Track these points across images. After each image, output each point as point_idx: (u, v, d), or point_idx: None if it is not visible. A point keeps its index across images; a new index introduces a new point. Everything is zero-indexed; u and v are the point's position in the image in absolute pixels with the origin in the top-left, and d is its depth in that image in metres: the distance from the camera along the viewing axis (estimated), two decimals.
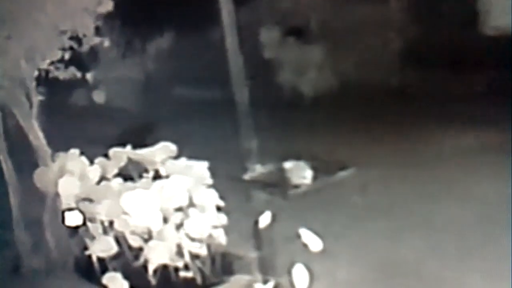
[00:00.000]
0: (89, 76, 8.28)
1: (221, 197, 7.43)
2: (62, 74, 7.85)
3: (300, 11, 14.46)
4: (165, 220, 7.18)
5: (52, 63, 7.76)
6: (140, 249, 7.27)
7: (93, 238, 7.45)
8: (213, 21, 9.27)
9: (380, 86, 13.24)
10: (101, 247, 7.37)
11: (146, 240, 7.23)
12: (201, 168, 7.63)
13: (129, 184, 7.59)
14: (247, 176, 10.05)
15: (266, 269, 7.12)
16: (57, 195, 7.63)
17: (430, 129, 11.53)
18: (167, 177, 7.48)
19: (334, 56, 13.88)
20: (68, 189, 7.57)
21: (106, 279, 7.15)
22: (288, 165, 10.05)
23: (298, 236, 6.73)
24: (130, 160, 7.85)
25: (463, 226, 8.14)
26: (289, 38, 14.24)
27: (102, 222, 7.44)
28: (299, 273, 6.58)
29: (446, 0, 13.71)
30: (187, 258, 7.16)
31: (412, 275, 7.20)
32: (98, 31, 7.99)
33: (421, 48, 13.76)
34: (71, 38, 7.78)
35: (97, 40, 8.00)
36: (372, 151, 10.80)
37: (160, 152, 7.78)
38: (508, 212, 8.16)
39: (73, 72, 7.92)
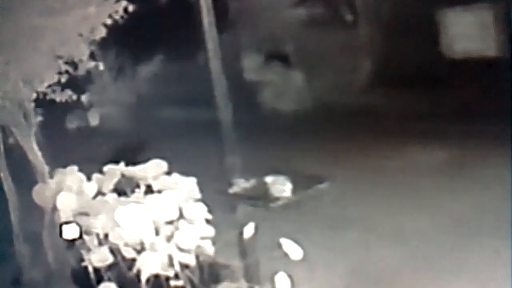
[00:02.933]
0: (84, 98, 8.15)
1: (209, 211, 7.35)
2: (59, 96, 7.74)
3: (279, 38, 14.48)
4: (157, 232, 7.07)
5: (49, 86, 7.67)
6: (134, 260, 7.13)
7: (89, 250, 7.30)
8: (198, 46, 9.20)
9: (352, 105, 13.29)
10: (97, 258, 7.22)
11: (139, 252, 7.11)
12: (190, 183, 7.52)
13: (123, 199, 7.45)
14: (232, 190, 9.95)
15: (251, 277, 7.07)
16: (54, 209, 7.50)
17: (399, 146, 11.52)
18: (158, 192, 7.37)
19: (310, 78, 13.93)
20: (66, 203, 7.43)
21: None
22: (269, 179, 9.91)
23: (280, 246, 6.67)
24: (123, 176, 7.69)
25: (433, 236, 8.13)
26: (269, 62, 14.25)
27: (97, 235, 7.30)
28: (281, 281, 6.52)
29: (412, 25, 13.68)
30: (177, 268, 7.05)
31: (384, 282, 7.25)
32: (92, 56, 7.89)
33: (389, 70, 13.77)
34: (67, 62, 7.71)
35: (91, 64, 7.91)
36: (347, 166, 10.78)
37: (151, 169, 7.62)
38: (477, 222, 8.23)
39: (69, 94, 7.81)
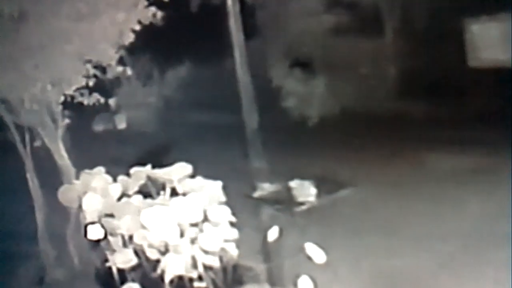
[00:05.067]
0: (111, 101, 8.13)
1: (233, 213, 7.29)
2: (87, 99, 7.74)
3: (306, 44, 14.41)
4: (181, 234, 7.01)
5: (77, 89, 7.67)
6: (158, 261, 7.09)
7: (113, 251, 7.25)
8: (225, 52, 9.14)
9: (377, 112, 13.20)
10: (121, 259, 7.18)
11: (163, 253, 7.07)
12: (215, 186, 7.48)
13: (148, 201, 7.41)
14: (256, 194, 9.90)
15: (274, 280, 7.04)
16: (80, 210, 7.47)
17: (422, 152, 11.42)
18: (183, 194, 7.32)
19: (336, 85, 13.85)
20: (91, 205, 7.38)
21: None
22: (294, 184, 9.87)
23: (303, 250, 6.62)
24: (149, 178, 7.63)
25: (455, 241, 8.02)
26: (295, 69, 14.19)
27: (122, 236, 7.25)
28: (304, 284, 6.46)
29: (438, 34, 13.57)
30: (201, 269, 7.00)
31: (408, 286, 7.17)
32: (121, 61, 7.84)
33: (414, 78, 13.68)
34: (95, 67, 7.69)
35: (120, 69, 7.90)
36: (371, 172, 10.67)
37: (177, 172, 7.58)
38: (498, 225, 8.11)
39: (96, 98, 7.78)
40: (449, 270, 7.33)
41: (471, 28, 13.61)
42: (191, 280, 7.02)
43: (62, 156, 7.58)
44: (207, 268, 7.01)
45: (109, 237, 7.25)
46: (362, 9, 14.30)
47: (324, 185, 9.93)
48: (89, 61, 7.67)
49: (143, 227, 7.01)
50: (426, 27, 13.88)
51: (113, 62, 7.79)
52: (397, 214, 8.99)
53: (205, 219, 7.11)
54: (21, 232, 8.09)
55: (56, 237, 7.77)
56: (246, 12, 10.75)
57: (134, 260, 7.14)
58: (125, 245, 7.24)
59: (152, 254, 7.08)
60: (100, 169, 7.69)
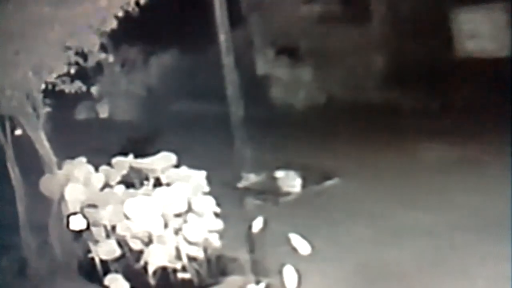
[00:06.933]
0: (94, 89, 8.05)
1: (217, 204, 7.29)
2: (68, 87, 7.65)
3: (291, 33, 14.40)
4: (165, 225, 6.99)
5: (58, 76, 7.55)
6: (141, 252, 7.07)
7: (96, 241, 7.22)
8: (210, 40, 9.10)
9: (363, 102, 13.23)
10: (104, 250, 7.15)
11: (146, 244, 7.05)
12: (199, 176, 7.45)
13: (131, 191, 7.37)
14: (241, 184, 9.89)
15: (258, 271, 6.96)
16: (62, 200, 7.42)
17: (410, 142, 11.46)
18: (167, 184, 7.29)
19: (322, 74, 13.86)
20: (74, 195, 7.36)
21: (108, 280, 6.97)
22: (279, 174, 9.88)
23: (288, 240, 6.58)
24: (132, 168, 7.60)
25: (442, 233, 8.05)
26: (280, 57, 14.18)
27: (105, 227, 7.22)
28: (289, 274, 6.43)
29: (425, 23, 13.58)
30: (185, 260, 6.99)
31: (392, 278, 7.15)
32: (103, 48, 7.77)
33: (401, 67, 13.71)
34: (77, 53, 7.59)
35: (102, 56, 7.80)
36: (357, 162, 10.73)
37: (160, 161, 7.55)
38: (488, 218, 8.14)
39: (78, 85, 7.71)
40: (435, 262, 7.35)
41: (460, 17, 13.63)
42: (175, 271, 7.00)
43: (44, 146, 7.48)
44: (191, 259, 6.99)
45: (92, 228, 7.21)
46: None
47: (309, 176, 9.94)
48: (71, 48, 7.57)
49: (126, 217, 6.98)
50: (414, 15, 13.90)
51: (95, 49, 7.70)
52: (384, 205, 9.01)
53: (189, 209, 7.09)
54: (2, 223, 8.04)
55: (38, 227, 7.68)
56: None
57: (117, 251, 7.10)
58: (108, 236, 7.20)
59: (136, 245, 7.05)
60: (81, 159, 7.64)
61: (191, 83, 14.00)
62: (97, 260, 7.18)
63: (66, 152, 7.74)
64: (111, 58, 7.95)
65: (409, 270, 7.23)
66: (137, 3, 7.69)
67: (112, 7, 7.61)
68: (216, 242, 7.14)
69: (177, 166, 7.56)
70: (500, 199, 8.56)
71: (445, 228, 8.12)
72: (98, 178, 7.47)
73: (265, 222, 6.98)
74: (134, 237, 7.05)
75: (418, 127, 11.98)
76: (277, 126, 12.65)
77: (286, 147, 11.44)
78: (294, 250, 6.52)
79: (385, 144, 11.43)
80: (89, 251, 7.27)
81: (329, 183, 9.86)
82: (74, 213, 7.16)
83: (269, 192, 9.62)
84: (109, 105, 14.30)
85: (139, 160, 7.61)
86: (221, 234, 7.18)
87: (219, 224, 7.19)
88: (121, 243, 7.15)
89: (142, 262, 7.04)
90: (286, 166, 10.10)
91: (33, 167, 7.60)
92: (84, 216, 7.14)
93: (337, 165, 10.33)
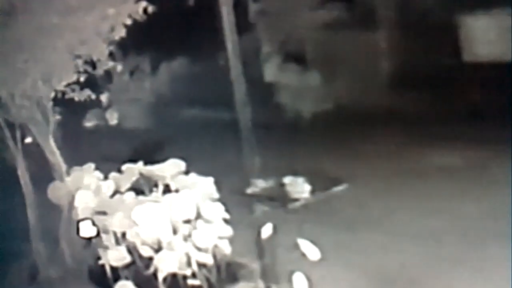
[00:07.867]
0: (103, 97, 8.11)
1: (226, 210, 7.28)
2: (78, 95, 7.72)
3: (299, 40, 14.40)
4: (174, 231, 7.02)
5: (68, 85, 7.64)
6: (151, 259, 7.08)
7: (106, 248, 7.25)
8: (218, 47, 9.16)
9: (371, 107, 13.17)
10: (114, 257, 7.18)
11: (156, 250, 7.06)
12: (208, 183, 7.48)
13: (141, 197, 7.42)
14: (250, 191, 9.99)
15: (268, 277, 6.97)
16: (71, 207, 7.45)
17: (417, 148, 11.37)
18: (176, 191, 7.34)
19: (330, 80, 13.83)
20: (83, 202, 7.40)
21: (118, 287, 7.00)
22: (287, 180, 9.96)
23: (297, 246, 6.59)
24: (141, 175, 7.64)
25: (451, 238, 8.01)
26: (288, 64, 14.17)
27: (115, 233, 7.25)
28: (299, 281, 6.45)
29: (432, 28, 13.58)
30: (194, 267, 7.00)
31: (402, 283, 7.15)
32: (112, 56, 7.84)
33: (409, 73, 13.67)
34: (86, 62, 7.66)
35: (110, 64, 7.87)
36: (365, 168, 10.66)
37: (169, 168, 7.60)
38: (492, 223, 8.13)
39: (88, 93, 7.77)
40: (443, 267, 7.34)
41: (467, 22, 13.63)
42: (184, 277, 7.01)
43: (53, 153, 7.55)
44: (200, 265, 7.00)
45: (102, 235, 7.25)
46: (356, 3, 14.32)
47: (318, 182, 9.99)
48: (80, 57, 7.64)
49: (136, 224, 7.01)
50: (420, 20, 13.89)
51: (104, 57, 7.77)
52: (392, 211, 8.98)
53: (198, 216, 7.11)
54: (13, 230, 8.04)
55: (48, 234, 7.74)
56: (239, 7, 10.78)
57: (127, 258, 7.14)
58: (118, 242, 7.23)
59: (145, 252, 7.07)
60: (90, 166, 7.69)
61: (200, 90, 13.98)
62: (107, 267, 7.21)
63: (75, 160, 7.80)
64: (119, 66, 7.99)
65: (418, 275, 7.21)
66: (145, 11, 7.75)
67: (120, 16, 7.68)
68: (225, 248, 7.15)
69: (186, 172, 7.61)
70: (509, 205, 8.45)
71: (456, 234, 8.08)
72: (108, 185, 7.52)
73: (274, 228, 6.98)
74: (144, 243, 7.06)
75: (426, 132, 11.90)
76: (285, 132, 12.60)
77: (294, 153, 11.35)
78: (304, 255, 6.52)
79: (393, 150, 11.36)
80: (99, 258, 7.29)
81: (337, 189, 9.92)
82: (84, 220, 7.21)
83: (278, 198, 9.69)
84: (118, 113, 14.30)
85: (149, 167, 7.66)
86: (231, 240, 7.18)
87: (228, 231, 7.20)
88: (131, 249, 7.17)
89: (152, 269, 7.04)
90: (294, 172, 10.14)
91: (43, 175, 7.66)
92: (94, 223, 7.18)
93: (345, 171, 10.38)
